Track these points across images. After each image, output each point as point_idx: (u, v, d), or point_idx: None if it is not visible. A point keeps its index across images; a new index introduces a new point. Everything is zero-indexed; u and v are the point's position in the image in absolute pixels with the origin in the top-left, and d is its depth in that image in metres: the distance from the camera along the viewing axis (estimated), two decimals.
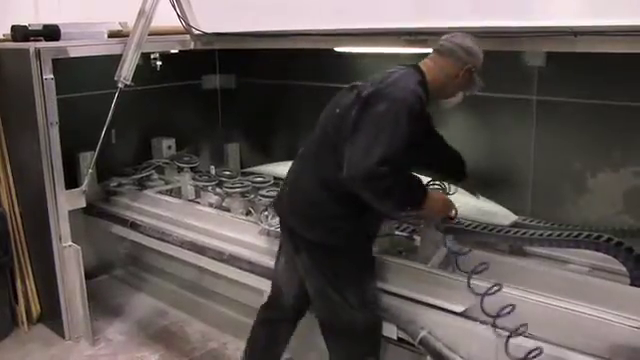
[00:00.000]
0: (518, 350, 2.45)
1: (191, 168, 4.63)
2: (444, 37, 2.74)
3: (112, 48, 4.02)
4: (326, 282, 2.80)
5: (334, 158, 2.63)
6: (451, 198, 3.03)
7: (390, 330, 2.84)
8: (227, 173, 4.37)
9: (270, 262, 3.38)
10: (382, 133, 2.49)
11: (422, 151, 2.81)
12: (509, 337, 2.48)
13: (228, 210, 4.04)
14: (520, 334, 2.50)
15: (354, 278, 2.80)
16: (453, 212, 2.86)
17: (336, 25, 3.45)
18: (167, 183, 4.83)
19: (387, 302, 2.90)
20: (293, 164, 3.00)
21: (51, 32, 4.00)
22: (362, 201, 2.58)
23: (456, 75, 2.71)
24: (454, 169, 3.22)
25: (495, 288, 2.63)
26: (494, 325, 2.57)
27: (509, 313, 2.55)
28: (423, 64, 2.77)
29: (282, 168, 4.21)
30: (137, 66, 3.98)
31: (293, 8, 3.62)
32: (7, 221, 4.08)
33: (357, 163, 2.49)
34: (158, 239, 4.15)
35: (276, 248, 3.40)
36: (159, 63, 4.52)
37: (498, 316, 2.57)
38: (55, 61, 3.73)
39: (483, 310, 2.59)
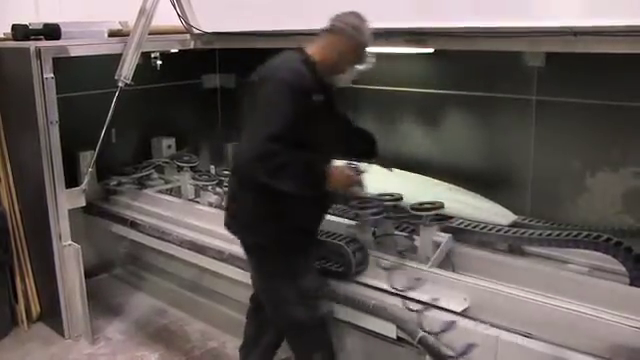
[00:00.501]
0: None
1: (191, 167, 4.63)
2: (334, 17, 2.82)
3: (112, 47, 4.02)
4: (264, 281, 2.98)
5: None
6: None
7: (389, 329, 2.84)
8: (227, 172, 4.37)
9: None
10: (266, 113, 2.63)
11: (328, 133, 2.88)
12: None
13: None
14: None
15: (288, 275, 2.86)
16: (357, 188, 2.87)
17: None
18: (167, 182, 4.83)
19: (386, 302, 2.90)
20: None
21: (51, 31, 4.01)
22: (283, 197, 2.66)
23: (347, 52, 2.79)
24: (364, 148, 3.26)
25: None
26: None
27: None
28: (311, 45, 2.86)
29: None
30: (137, 65, 3.99)
31: (293, 7, 3.62)
32: (7, 220, 4.08)
33: (247, 146, 2.64)
34: (158, 238, 4.15)
35: None
36: (159, 62, 4.53)
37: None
38: (55, 60, 3.74)
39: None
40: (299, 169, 2.65)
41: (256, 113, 2.68)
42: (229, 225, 3.02)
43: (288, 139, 2.58)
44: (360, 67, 2.87)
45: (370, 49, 2.85)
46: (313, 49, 2.83)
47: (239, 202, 2.93)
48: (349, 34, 2.77)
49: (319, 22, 3.44)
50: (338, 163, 2.91)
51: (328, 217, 3.69)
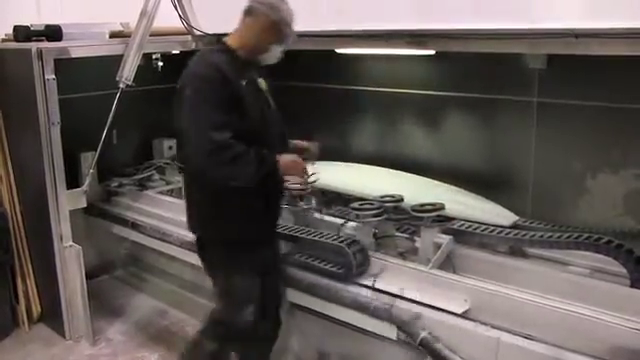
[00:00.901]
0: None
1: None
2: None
3: (114, 48, 4.03)
4: (212, 276, 3.11)
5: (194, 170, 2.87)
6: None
7: (390, 331, 2.84)
8: None
9: None
10: (198, 111, 2.69)
11: (264, 116, 2.95)
12: None
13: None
14: None
15: (228, 271, 2.98)
16: (305, 176, 2.97)
17: (337, 26, 3.45)
18: (168, 183, 4.84)
19: (388, 302, 2.90)
20: None
21: (53, 32, 4.02)
22: (231, 196, 2.78)
23: (262, 31, 2.84)
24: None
25: None
26: None
27: None
28: (231, 34, 2.94)
29: None
30: (138, 67, 3.99)
31: (293, 9, 3.63)
32: (8, 220, 4.09)
33: (195, 146, 2.69)
34: (159, 239, 4.15)
35: None
36: (160, 64, 4.54)
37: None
38: (57, 61, 3.74)
39: None
40: (251, 158, 2.71)
41: (189, 115, 2.72)
42: (187, 225, 3.13)
43: (232, 128, 2.68)
44: (281, 46, 2.90)
45: (292, 27, 2.88)
46: (231, 37, 2.91)
47: (190, 202, 3.06)
48: (264, 13, 2.82)
49: (320, 23, 3.47)
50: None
51: (329, 219, 3.73)
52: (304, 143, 3.30)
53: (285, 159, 2.88)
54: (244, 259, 2.96)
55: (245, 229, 2.93)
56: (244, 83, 2.82)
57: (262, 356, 3.32)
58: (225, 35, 2.97)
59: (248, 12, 2.87)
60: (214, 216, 2.93)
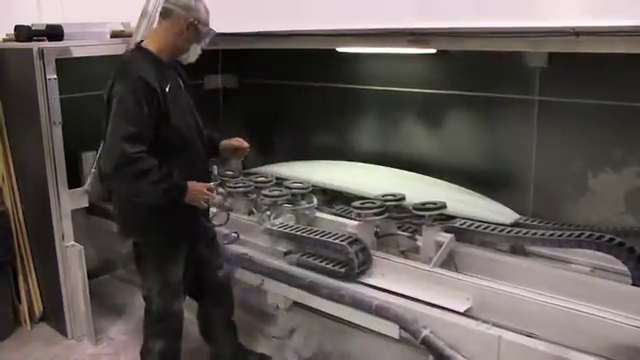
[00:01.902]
0: None
1: None
2: (164, 1, 2.94)
3: (115, 48, 4.02)
4: (140, 272, 3.20)
5: None
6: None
7: (392, 329, 2.85)
8: (229, 173, 4.37)
9: (272, 261, 3.39)
10: (118, 123, 2.74)
11: (190, 117, 3.05)
12: None
13: (230, 210, 4.03)
14: None
15: (156, 267, 3.09)
16: (202, 203, 2.96)
17: (338, 25, 3.45)
18: None
19: (389, 301, 2.90)
20: None
21: (54, 32, 4.01)
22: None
23: (181, 31, 2.90)
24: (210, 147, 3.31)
25: None
26: None
27: None
28: (148, 37, 3.05)
29: (284, 168, 4.23)
30: None
31: (295, 8, 3.63)
32: (10, 220, 4.09)
33: (107, 155, 2.76)
34: None
35: (279, 247, 3.42)
36: None
37: None
38: (58, 61, 3.74)
39: None
40: (157, 179, 2.76)
41: (111, 125, 2.76)
42: (122, 232, 3.25)
43: (147, 141, 2.75)
44: (200, 44, 2.99)
45: (209, 25, 2.97)
46: (150, 41, 2.96)
47: (120, 206, 3.14)
48: (179, 14, 2.88)
49: (321, 23, 3.47)
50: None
51: (331, 217, 3.74)
52: (235, 143, 3.37)
53: (192, 187, 2.90)
54: (178, 253, 3.11)
55: (181, 226, 3.02)
56: (168, 89, 2.87)
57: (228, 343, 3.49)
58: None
59: (165, 14, 2.93)
60: (154, 217, 2.95)
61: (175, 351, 3.26)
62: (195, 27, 2.92)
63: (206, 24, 2.96)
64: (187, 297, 3.36)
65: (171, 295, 3.15)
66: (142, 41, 3.06)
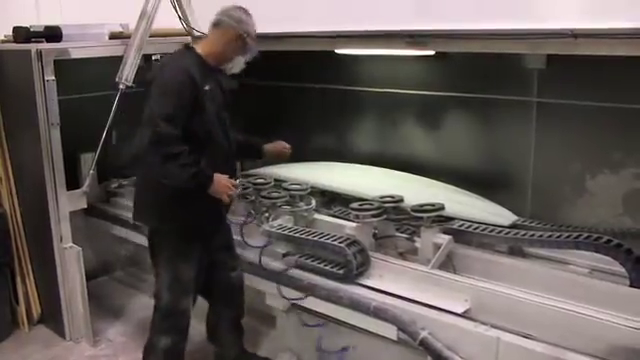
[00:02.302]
0: None
1: None
2: (219, 11, 3.13)
3: (113, 50, 4.04)
4: (154, 264, 3.24)
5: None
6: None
7: (390, 331, 2.85)
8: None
9: (271, 263, 3.39)
10: (158, 105, 2.90)
11: (221, 120, 3.17)
12: None
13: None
14: None
15: (169, 260, 3.15)
16: (226, 196, 3.06)
17: (337, 27, 3.46)
18: None
19: (387, 303, 2.90)
20: None
21: (52, 33, 4.01)
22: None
23: (229, 42, 3.09)
24: (246, 151, 3.63)
25: None
26: None
27: None
28: (200, 41, 3.21)
29: (284, 170, 4.23)
30: (138, 68, 3.99)
31: (294, 10, 3.64)
32: (8, 221, 4.09)
33: (144, 132, 2.87)
34: None
35: (278, 249, 3.42)
36: None
37: None
38: (57, 62, 3.74)
39: None
40: (186, 163, 2.87)
41: (151, 106, 2.93)
42: (140, 217, 3.30)
43: (180, 127, 2.87)
44: (245, 57, 3.16)
45: (255, 41, 3.14)
46: (201, 45, 3.13)
47: (140, 190, 3.25)
48: (231, 26, 3.07)
49: (320, 25, 3.47)
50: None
51: (330, 219, 3.74)
52: (279, 146, 3.66)
53: (218, 179, 3.01)
54: (193, 250, 3.17)
55: (199, 219, 3.11)
56: (207, 88, 3.03)
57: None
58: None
59: (216, 24, 3.12)
60: (173, 203, 3.04)
61: (179, 349, 3.27)
62: (243, 40, 3.09)
63: (254, 39, 3.13)
64: (199, 297, 3.40)
65: (180, 292, 3.18)
66: (189, 43, 3.24)
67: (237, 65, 3.18)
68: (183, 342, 3.28)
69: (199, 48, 3.12)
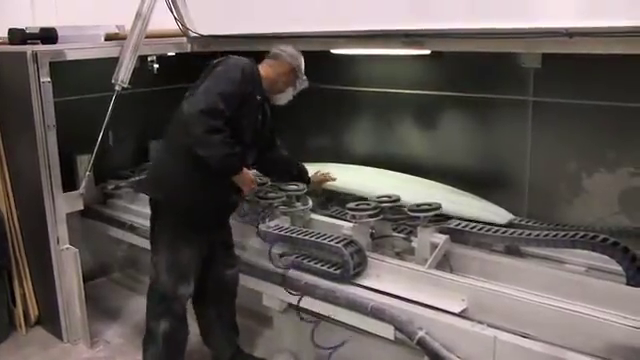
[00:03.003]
0: None
1: None
2: (276, 47, 3.38)
3: (109, 51, 4.03)
4: (154, 244, 3.29)
5: (180, 128, 3.04)
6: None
7: (388, 331, 2.85)
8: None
9: (268, 263, 3.38)
10: (218, 82, 3.05)
11: (253, 131, 3.27)
12: None
13: None
14: None
15: (170, 244, 3.19)
16: (249, 188, 3.28)
17: (332, 27, 3.46)
18: None
19: (385, 303, 2.90)
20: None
21: (48, 35, 4.01)
22: (204, 171, 3.02)
23: (284, 73, 3.33)
24: (284, 170, 3.81)
25: None
26: None
27: None
28: (260, 67, 3.34)
29: None
30: (134, 69, 3.99)
31: (290, 10, 3.63)
32: (5, 224, 4.08)
33: (198, 100, 2.97)
34: None
35: (275, 250, 3.42)
36: (156, 66, 4.53)
37: None
38: (52, 64, 3.73)
39: None
40: (228, 142, 2.97)
41: (209, 82, 3.06)
42: (146, 187, 3.42)
43: (230, 110, 2.97)
44: (295, 90, 3.39)
45: (305, 76, 3.38)
46: (263, 70, 3.29)
47: (160, 161, 3.37)
48: (286, 60, 3.34)
49: (315, 25, 3.47)
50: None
51: (326, 219, 3.74)
52: (322, 178, 3.90)
53: (246, 171, 3.19)
54: (195, 236, 3.20)
55: (208, 204, 3.18)
56: (259, 98, 3.21)
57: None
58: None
59: (274, 56, 3.36)
60: (187, 182, 3.12)
61: (179, 336, 3.31)
62: (295, 74, 3.36)
63: (303, 74, 3.39)
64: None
65: (178, 275, 3.20)
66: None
67: (285, 97, 3.40)
68: (182, 330, 3.31)
69: (260, 68, 3.28)
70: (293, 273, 3.26)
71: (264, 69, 3.30)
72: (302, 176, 3.80)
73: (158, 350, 3.26)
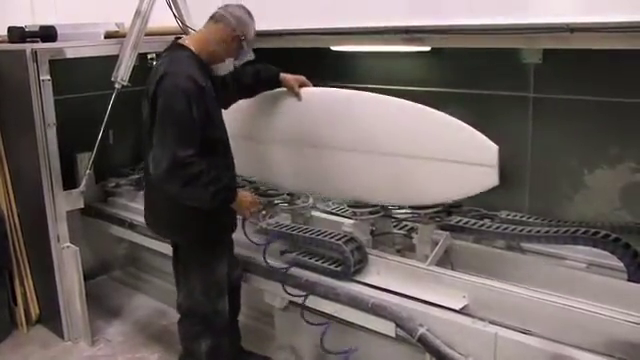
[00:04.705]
0: None
1: None
2: (220, 7, 2.96)
3: (109, 49, 4.03)
4: (184, 270, 3.14)
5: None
6: None
7: (389, 327, 2.84)
8: None
9: (269, 261, 3.38)
10: (167, 129, 2.69)
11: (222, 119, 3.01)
12: None
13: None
14: None
15: (200, 266, 3.07)
16: (257, 210, 3.19)
17: (332, 24, 3.45)
18: None
19: (385, 300, 2.90)
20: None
21: (48, 33, 4.00)
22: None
23: (224, 40, 2.91)
24: (263, 83, 3.33)
25: None
26: None
27: None
28: (191, 36, 3.01)
29: None
30: (134, 67, 3.98)
31: (289, 7, 3.63)
32: (5, 222, 4.08)
33: (157, 160, 2.69)
34: (156, 239, 4.13)
35: (276, 247, 3.41)
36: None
37: None
38: (52, 62, 3.73)
39: None
40: (210, 180, 2.75)
41: (162, 126, 2.72)
42: (160, 232, 3.31)
43: (198, 145, 2.71)
44: (237, 61, 3.02)
45: (251, 45, 3.00)
46: (193, 41, 2.93)
47: (161, 205, 3.04)
48: (230, 24, 2.89)
49: (316, 21, 3.46)
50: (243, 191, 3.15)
51: (327, 216, 3.73)
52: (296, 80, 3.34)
53: (242, 196, 3.01)
54: (221, 250, 3.12)
55: (223, 224, 3.10)
56: (209, 85, 2.86)
57: (233, 344, 3.41)
58: None
59: (216, 19, 2.94)
60: (192, 217, 2.95)
61: (223, 348, 3.21)
62: (239, 42, 2.94)
63: (249, 43, 2.98)
64: None
65: (216, 293, 3.11)
66: (179, 38, 3.05)
67: (224, 68, 3.05)
68: (225, 340, 3.22)
69: (191, 44, 2.92)
70: (294, 271, 3.26)
71: (198, 42, 2.92)
72: (273, 79, 3.31)
73: None
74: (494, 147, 2.85)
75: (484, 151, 2.86)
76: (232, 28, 2.91)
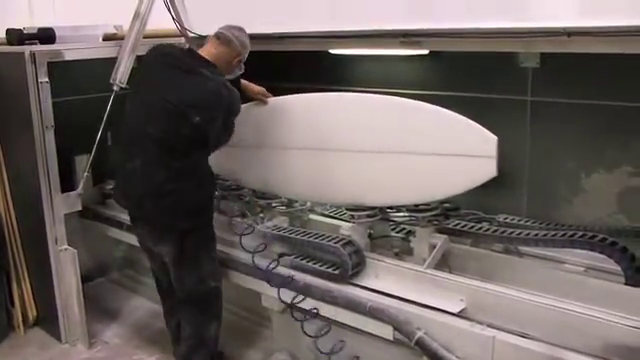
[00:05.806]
0: None
1: None
2: (223, 27, 3.23)
3: (107, 51, 4.02)
4: (191, 258, 3.28)
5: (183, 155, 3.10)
6: None
7: (386, 331, 2.85)
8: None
9: (266, 264, 3.38)
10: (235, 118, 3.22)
11: None
12: None
13: (225, 213, 4.03)
14: None
15: (209, 250, 3.35)
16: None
17: (331, 27, 3.45)
18: None
19: (383, 303, 2.90)
20: (128, 163, 3.19)
21: (46, 35, 4.01)
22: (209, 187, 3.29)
23: (229, 62, 3.23)
24: None
25: None
26: None
27: None
28: (204, 50, 3.23)
29: None
30: (132, 69, 3.98)
31: (288, 10, 3.63)
32: (3, 225, 4.08)
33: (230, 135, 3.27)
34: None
35: (273, 250, 3.41)
36: None
37: None
38: (50, 64, 3.73)
39: None
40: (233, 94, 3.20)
41: (231, 117, 3.22)
42: (152, 214, 3.26)
43: None
44: (229, 77, 3.26)
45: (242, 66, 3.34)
46: (210, 55, 3.18)
47: (186, 188, 3.15)
48: (237, 49, 3.20)
49: (314, 24, 3.47)
50: None
51: (325, 219, 3.73)
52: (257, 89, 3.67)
53: (248, 85, 3.59)
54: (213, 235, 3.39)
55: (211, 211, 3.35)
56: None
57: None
58: None
59: (224, 41, 3.19)
60: (210, 197, 3.31)
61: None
62: (239, 63, 3.28)
63: (243, 63, 3.31)
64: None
65: (220, 275, 3.42)
66: (195, 51, 3.26)
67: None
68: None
69: (210, 58, 3.17)
70: (292, 273, 3.26)
71: (211, 53, 3.19)
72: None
73: (209, 351, 3.42)
74: (493, 138, 2.97)
75: (484, 142, 3.00)
76: (238, 53, 3.21)
